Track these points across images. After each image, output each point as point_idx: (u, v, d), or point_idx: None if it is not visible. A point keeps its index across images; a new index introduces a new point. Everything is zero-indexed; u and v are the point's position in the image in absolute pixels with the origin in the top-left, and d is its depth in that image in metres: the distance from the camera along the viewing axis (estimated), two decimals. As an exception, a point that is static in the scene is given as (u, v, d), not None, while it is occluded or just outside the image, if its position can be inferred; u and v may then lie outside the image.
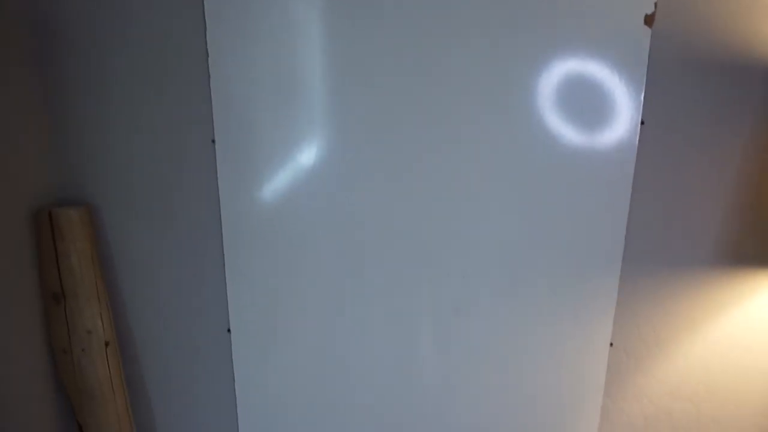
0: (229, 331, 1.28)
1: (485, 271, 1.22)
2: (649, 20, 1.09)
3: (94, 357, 1.16)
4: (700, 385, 1.27)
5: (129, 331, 1.30)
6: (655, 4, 1.08)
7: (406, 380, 1.29)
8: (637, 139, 1.14)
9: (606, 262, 1.21)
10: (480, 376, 1.28)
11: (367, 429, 1.33)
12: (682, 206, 1.18)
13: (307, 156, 1.18)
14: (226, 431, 1.37)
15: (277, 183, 1.19)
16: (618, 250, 1.20)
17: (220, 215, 1.22)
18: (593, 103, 1.13)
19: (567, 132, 1.15)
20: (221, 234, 1.23)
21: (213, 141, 1.19)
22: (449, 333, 1.26)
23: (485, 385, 1.29)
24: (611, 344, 1.25)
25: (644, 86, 1.12)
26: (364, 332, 1.27)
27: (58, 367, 1.18)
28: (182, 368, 1.33)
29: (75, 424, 1.23)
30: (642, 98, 1.12)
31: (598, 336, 1.25)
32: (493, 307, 1.24)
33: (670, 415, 1.30)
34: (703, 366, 1.26)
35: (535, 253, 1.21)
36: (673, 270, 1.21)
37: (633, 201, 1.17)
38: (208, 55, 1.14)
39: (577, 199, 1.17)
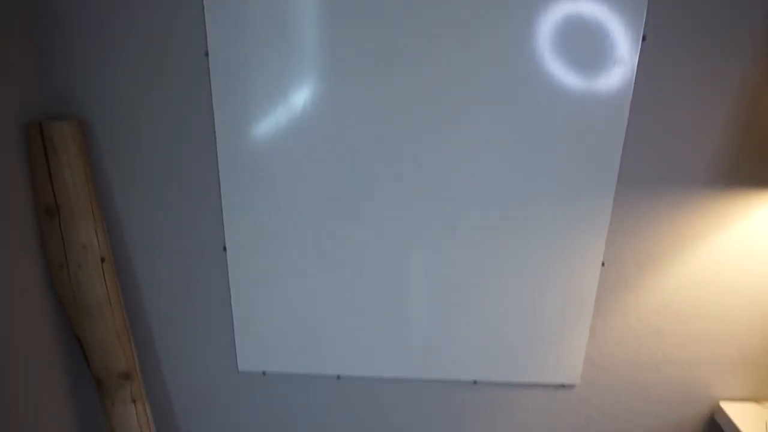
0: (224, 249, 1.29)
1: (482, 191, 1.22)
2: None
3: (90, 272, 1.17)
4: (688, 305, 1.30)
5: (125, 249, 1.30)
6: None
7: (401, 297, 1.31)
8: (638, 55, 1.13)
9: (601, 181, 1.21)
10: (473, 294, 1.30)
11: (360, 345, 1.36)
12: (679, 125, 1.18)
13: (305, 73, 1.15)
14: (223, 347, 1.39)
15: (272, 103, 1.17)
16: (613, 170, 1.20)
17: (215, 135, 1.21)
18: (594, 17, 1.10)
19: (565, 48, 1.13)
20: (216, 153, 1.22)
21: (206, 54, 1.16)
22: (445, 250, 1.27)
23: (478, 302, 1.31)
24: (603, 263, 1.27)
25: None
26: (359, 250, 1.27)
27: (55, 282, 1.18)
28: (179, 286, 1.34)
29: (74, 338, 1.24)
30: (645, 12, 1.10)
31: (591, 255, 1.27)
32: (488, 225, 1.25)
33: (658, 333, 1.33)
34: (692, 285, 1.29)
35: (530, 172, 1.21)
36: (667, 189, 1.22)
37: (630, 120, 1.17)
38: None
39: (575, 118, 1.17)
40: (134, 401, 1.27)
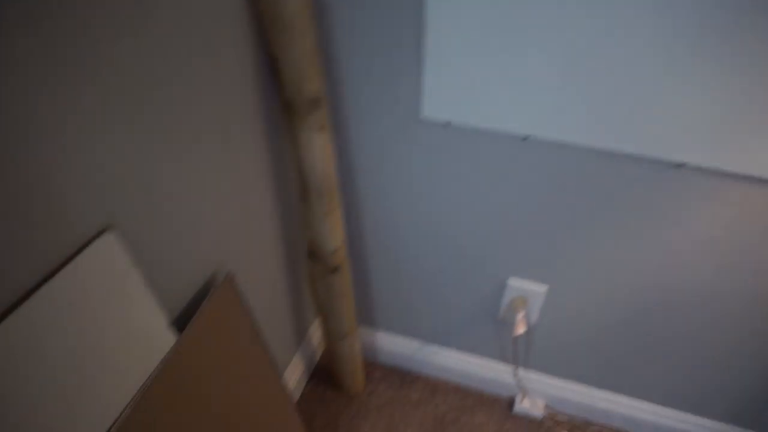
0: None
1: None
2: None
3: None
4: None
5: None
6: None
7: (606, 54, 1.10)
8: None
9: None
10: (694, 61, 1.06)
11: (554, 105, 1.21)
12: None
13: None
14: (408, 88, 1.30)
15: None
16: None
17: None
18: None
19: None
20: None
21: None
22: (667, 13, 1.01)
23: (698, 70, 1.06)
24: None
25: None
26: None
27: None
28: (369, 14, 1.24)
29: (267, 54, 1.25)
30: None
31: None
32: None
33: None
34: None
35: None
36: None
37: None
38: None
39: None
40: (321, 128, 1.27)
